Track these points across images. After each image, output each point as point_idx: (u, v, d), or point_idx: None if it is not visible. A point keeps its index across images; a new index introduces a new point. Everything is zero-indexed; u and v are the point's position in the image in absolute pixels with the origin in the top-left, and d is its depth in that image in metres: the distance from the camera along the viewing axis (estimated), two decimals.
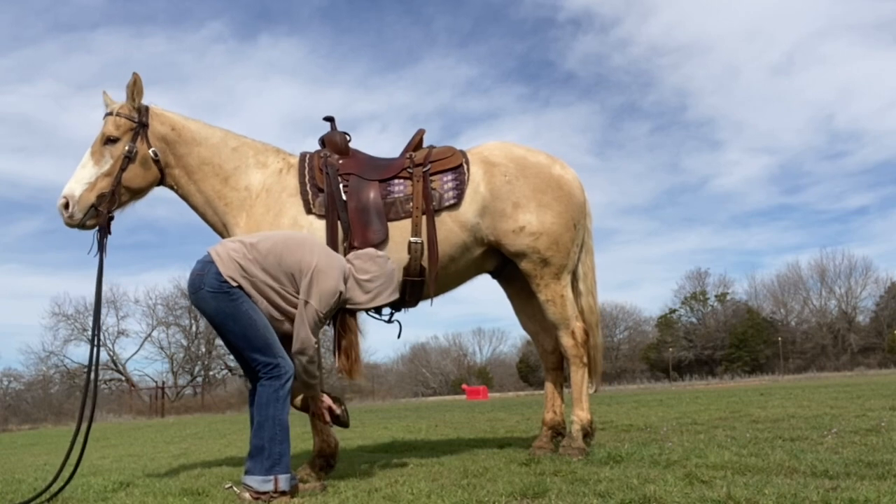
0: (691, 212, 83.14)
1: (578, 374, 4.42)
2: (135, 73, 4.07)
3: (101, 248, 3.94)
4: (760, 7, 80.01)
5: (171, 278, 70.96)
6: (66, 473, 3.80)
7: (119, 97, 4.13)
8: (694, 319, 56.63)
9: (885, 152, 75.69)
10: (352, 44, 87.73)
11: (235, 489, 3.40)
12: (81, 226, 3.92)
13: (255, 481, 3.25)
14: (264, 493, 3.23)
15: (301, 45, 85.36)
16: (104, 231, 3.96)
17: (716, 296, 56.25)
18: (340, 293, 3.45)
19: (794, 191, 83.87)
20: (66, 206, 3.88)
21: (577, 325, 4.44)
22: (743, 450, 4.08)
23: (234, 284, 3.35)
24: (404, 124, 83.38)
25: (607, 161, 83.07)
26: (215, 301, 3.35)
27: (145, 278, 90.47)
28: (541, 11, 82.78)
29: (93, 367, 3.80)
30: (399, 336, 4.34)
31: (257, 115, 74.27)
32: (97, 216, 3.93)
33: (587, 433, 4.39)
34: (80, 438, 3.72)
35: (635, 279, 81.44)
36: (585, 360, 4.44)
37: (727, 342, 51.99)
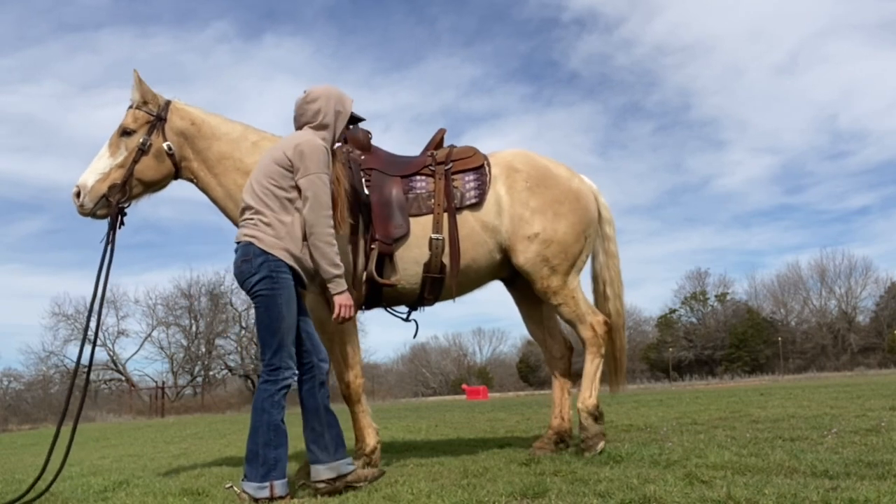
0: (693, 212, 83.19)
1: (594, 364, 4.41)
2: (134, 71, 4.14)
3: (109, 239, 3.99)
4: (764, 7, 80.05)
5: (171, 278, 71.18)
6: (65, 473, 3.79)
7: (124, 98, 4.23)
8: (694, 319, 56.61)
9: (887, 152, 75.70)
10: (356, 44, 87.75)
11: (235, 489, 3.41)
12: (93, 215, 4.02)
13: (252, 488, 3.26)
14: (260, 499, 3.23)
15: (305, 44, 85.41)
16: (115, 222, 4.02)
17: (716, 296, 56.24)
18: (326, 149, 3.52)
19: (796, 191, 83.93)
20: (79, 195, 3.99)
21: (596, 319, 4.44)
22: (743, 450, 4.08)
23: (282, 258, 3.37)
24: (408, 124, 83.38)
25: (610, 161, 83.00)
26: (260, 285, 3.38)
27: (147, 278, 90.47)
28: (545, 11, 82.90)
29: (91, 368, 3.81)
30: (415, 335, 4.37)
31: (261, 114, 74.18)
32: (108, 206, 4.00)
33: (596, 417, 4.40)
34: (75, 433, 3.72)
35: (637, 279, 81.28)
36: (602, 350, 4.44)
37: (727, 342, 51.97)
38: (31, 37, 68.06)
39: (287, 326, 3.38)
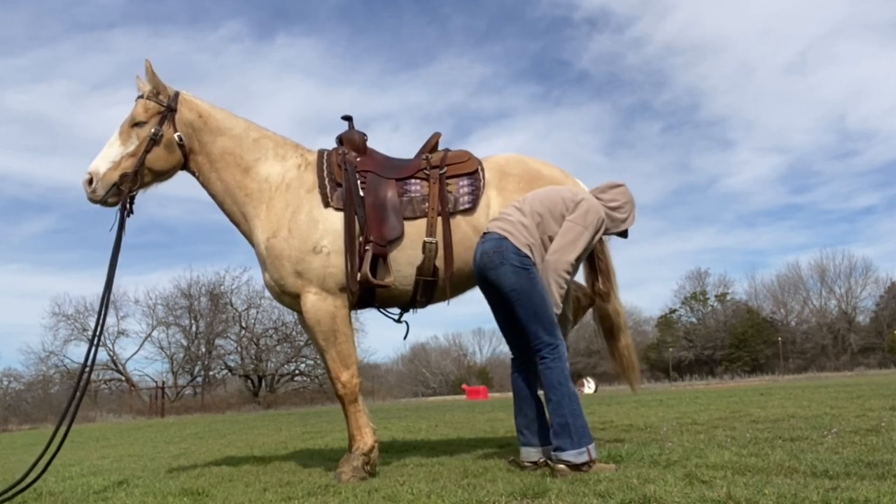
0: (699, 211, 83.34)
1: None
2: (146, 61, 4.19)
3: (121, 225, 4.09)
4: (774, 6, 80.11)
5: (172, 278, 71.05)
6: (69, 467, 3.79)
7: (132, 97, 4.23)
8: (694, 319, 56.68)
9: (894, 152, 75.76)
10: (367, 44, 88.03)
11: (550, 464, 3.60)
12: (103, 202, 4.08)
13: (571, 456, 3.49)
14: (582, 464, 3.47)
15: (317, 44, 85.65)
16: (125, 209, 4.10)
17: (716, 296, 56.31)
18: (604, 220, 3.80)
19: (802, 190, 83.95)
20: (90, 181, 4.03)
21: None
22: (743, 450, 4.08)
23: (530, 255, 3.61)
24: (416, 124, 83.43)
25: (617, 160, 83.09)
26: (515, 276, 3.59)
27: (149, 279, 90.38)
28: (557, 11, 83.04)
29: (91, 367, 3.82)
30: (406, 337, 4.44)
31: (271, 114, 74.36)
32: (119, 194, 4.07)
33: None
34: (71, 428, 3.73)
35: (639, 279, 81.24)
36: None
37: (727, 342, 52.02)
38: (43, 36, 68.28)
39: (551, 305, 3.61)
